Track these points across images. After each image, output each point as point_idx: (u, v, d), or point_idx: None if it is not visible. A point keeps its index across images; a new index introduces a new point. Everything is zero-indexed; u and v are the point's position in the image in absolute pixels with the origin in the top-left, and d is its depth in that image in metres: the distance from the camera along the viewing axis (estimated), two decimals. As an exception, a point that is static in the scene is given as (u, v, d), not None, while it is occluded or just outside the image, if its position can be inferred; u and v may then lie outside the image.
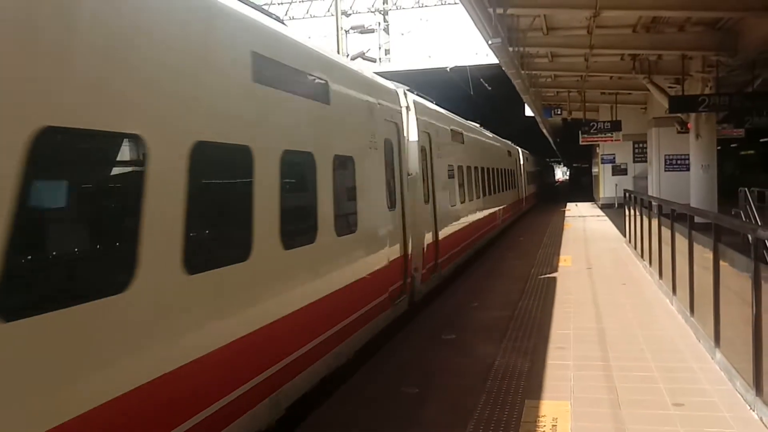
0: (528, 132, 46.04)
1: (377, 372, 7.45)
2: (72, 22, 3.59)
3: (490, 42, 14.63)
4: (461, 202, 15.43)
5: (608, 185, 36.33)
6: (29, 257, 3.42)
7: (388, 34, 36.55)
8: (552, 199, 50.42)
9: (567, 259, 15.89)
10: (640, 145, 34.39)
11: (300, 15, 35.54)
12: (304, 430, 5.96)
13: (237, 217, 5.29)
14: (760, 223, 16.56)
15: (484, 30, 14.64)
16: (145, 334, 4.04)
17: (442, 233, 12.74)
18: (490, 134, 24.22)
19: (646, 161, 32.59)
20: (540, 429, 5.66)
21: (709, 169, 20.77)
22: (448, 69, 32.22)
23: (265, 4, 34.54)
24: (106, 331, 3.71)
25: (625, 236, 19.10)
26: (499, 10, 14.13)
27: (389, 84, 10.35)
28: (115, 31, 3.91)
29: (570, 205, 39.91)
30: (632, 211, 16.99)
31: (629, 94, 29.85)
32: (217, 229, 5.13)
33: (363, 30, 31.06)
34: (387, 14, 36.44)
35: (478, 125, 21.57)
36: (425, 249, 11.26)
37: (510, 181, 27.63)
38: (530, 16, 17.35)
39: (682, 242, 9.43)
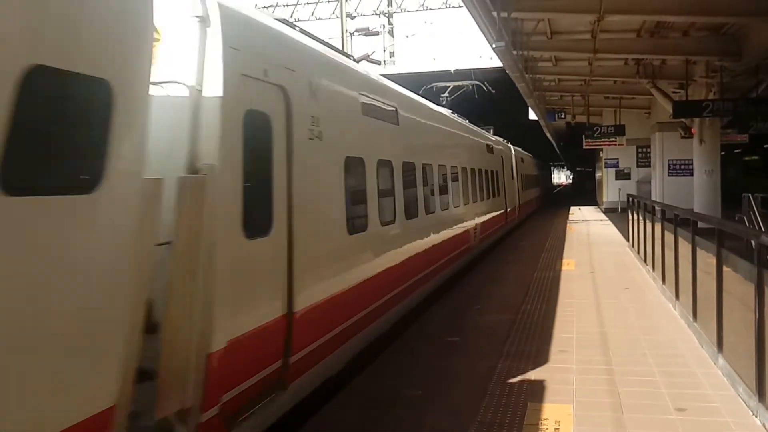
0: (531, 135, 46.02)
1: (380, 374, 7.46)
2: None
3: (494, 45, 14.66)
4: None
5: (611, 189, 36.30)
6: None
7: (393, 36, 36.63)
8: (553, 206, 50.26)
9: (570, 263, 15.89)
10: (644, 150, 34.38)
11: (305, 17, 35.62)
12: (307, 432, 5.97)
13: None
14: (763, 229, 16.55)
15: (488, 33, 14.68)
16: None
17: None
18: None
19: (649, 166, 32.60)
20: (542, 432, 5.67)
21: (713, 174, 20.79)
22: (452, 71, 32.24)
23: (270, 6, 34.64)
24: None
25: (628, 241, 19.10)
26: (503, 14, 14.16)
27: None
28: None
29: (573, 209, 39.90)
30: (635, 216, 16.99)
31: (633, 98, 29.86)
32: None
33: (368, 32, 31.15)
34: (392, 17, 36.50)
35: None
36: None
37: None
38: (534, 19, 17.39)
39: (685, 247, 9.44)
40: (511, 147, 27.34)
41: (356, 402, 6.59)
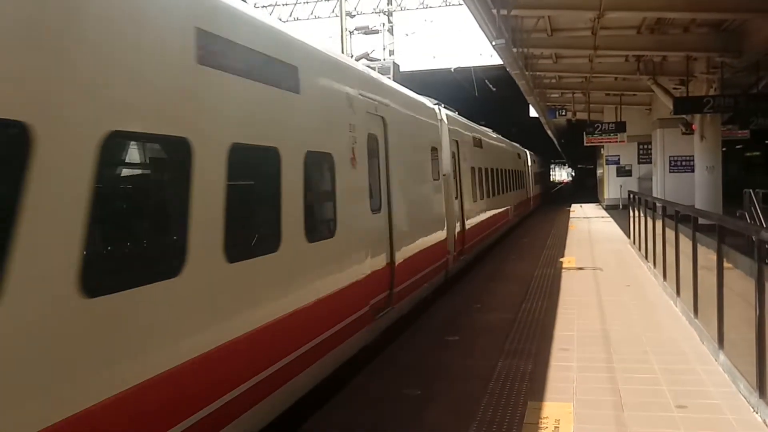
0: (532, 133, 46.00)
1: (380, 374, 7.44)
2: None
3: (494, 43, 14.63)
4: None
5: (613, 186, 36.28)
6: None
7: (393, 34, 36.54)
8: (554, 204, 50.20)
9: (571, 261, 15.86)
10: (645, 147, 34.36)
11: (305, 16, 35.57)
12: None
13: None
14: (765, 225, 16.52)
15: (488, 31, 14.64)
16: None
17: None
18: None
19: (650, 162, 32.55)
20: (542, 430, 5.65)
21: (714, 170, 20.75)
22: (452, 70, 32.22)
23: (269, 5, 34.62)
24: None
25: (629, 237, 19.07)
26: (503, 11, 14.13)
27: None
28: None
29: (575, 207, 39.87)
30: (636, 213, 16.96)
31: (634, 95, 29.82)
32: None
33: (367, 31, 31.08)
34: (391, 15, 36.44)
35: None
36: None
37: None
38: (534, 17, 17.35)
39: (686, 244, 9.41)
40: (444, 112, 13.76)
41: (355, 401, 6.57)
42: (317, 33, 32.56)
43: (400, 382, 7.06)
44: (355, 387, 7.00)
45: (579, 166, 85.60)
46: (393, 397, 6.61)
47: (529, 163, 34.36)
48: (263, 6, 34.32)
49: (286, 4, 35.34)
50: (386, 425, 5.95)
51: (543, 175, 50.23)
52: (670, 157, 29.06)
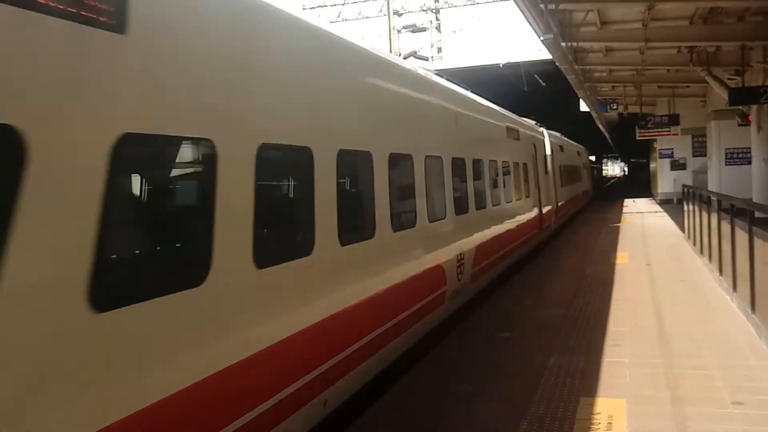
0: (583, 127, 45.44)
1: (431, 370, 7.51)
2: None
3: (542, 38, 14.55)
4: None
5: (666, 180, 35.63)
6: None
7: (440, 32, 36.53)
8: (605, 199, 49.52)
9: (624, 256, 15.68)
10: (700, 139, 33.64)
11: (353, 16, 35.78)
12: (355, 430, 6.04)
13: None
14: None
15: (536, 26, 14.56)
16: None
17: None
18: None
19: (705, 155, 31.86)
20: (595, 426, 5.64)
21: (772, 162, 20.24)
22: (500, 65, 32.05)
23: (317, 6, 34.91)
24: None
25: (684, 232, 18.74)
26: (551, 6, 14.04)
27: None
28: None
29: (627, 201, 39.25)
30: (691, 207, 16.68)
31: (687, 86, 29.21)
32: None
33: (415, 29, 31.14)
34: (439, 12, 36.41)
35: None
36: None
37: None
38: (583, 10, 17.16)
39: (742, 238, 9.24)
40: None
41: (407, 397, 6.65)
42: (366, 32, 32.70)
43: (451, 379, 7.12)
44: (406, 384, 7.07)
45: (632, 160, 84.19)
46: (444, 394, 6.67)
47: (547, 152, 21.46)
48: (311, 8, 34.65)
49: (334, 5, 35.60)
50: (437, 422, 6.01)
51: (584, 170, 37.40)
52: (725, 149, 28.39)
